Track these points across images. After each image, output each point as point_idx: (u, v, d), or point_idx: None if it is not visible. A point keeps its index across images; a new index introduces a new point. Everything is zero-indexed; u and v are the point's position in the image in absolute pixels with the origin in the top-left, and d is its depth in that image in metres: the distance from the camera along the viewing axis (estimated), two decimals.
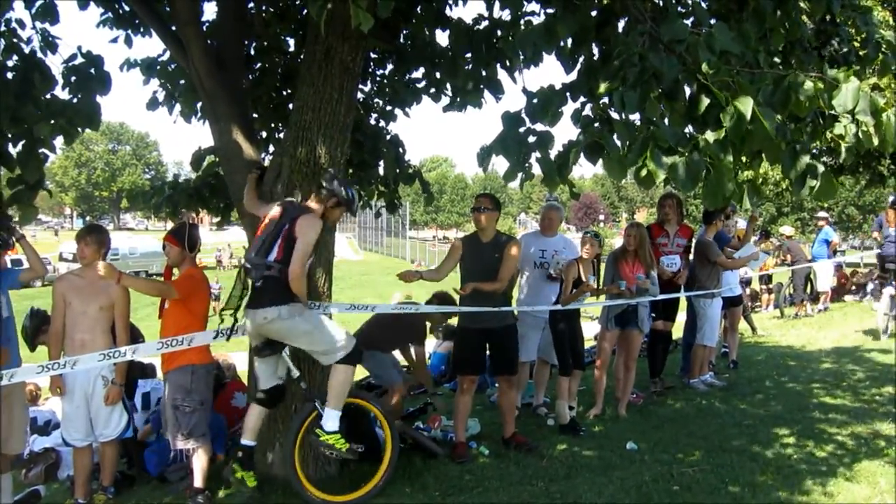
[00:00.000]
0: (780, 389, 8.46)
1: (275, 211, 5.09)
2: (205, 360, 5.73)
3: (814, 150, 4.19)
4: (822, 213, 17.22)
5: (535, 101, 4.17)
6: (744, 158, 4.08)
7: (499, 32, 5.65)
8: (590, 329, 12.85)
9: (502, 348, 6.36)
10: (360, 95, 7.23)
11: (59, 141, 6.37)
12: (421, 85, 7.52)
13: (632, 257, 7.33)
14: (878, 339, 11.54)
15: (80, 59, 6.27)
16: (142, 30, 7.17)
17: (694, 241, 8.49)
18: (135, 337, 6.49)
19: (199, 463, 5.54)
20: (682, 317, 9.09)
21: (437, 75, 7.01)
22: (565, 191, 4.55)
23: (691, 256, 8.45)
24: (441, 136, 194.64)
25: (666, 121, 3.81)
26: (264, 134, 7.67)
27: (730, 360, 9.88)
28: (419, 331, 7.25)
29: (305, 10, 5.60)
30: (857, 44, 5.59)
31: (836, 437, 6.39)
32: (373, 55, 7.44)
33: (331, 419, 5.11)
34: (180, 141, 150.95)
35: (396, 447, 5.51)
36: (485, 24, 5.76)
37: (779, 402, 7.76)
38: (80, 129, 6.28)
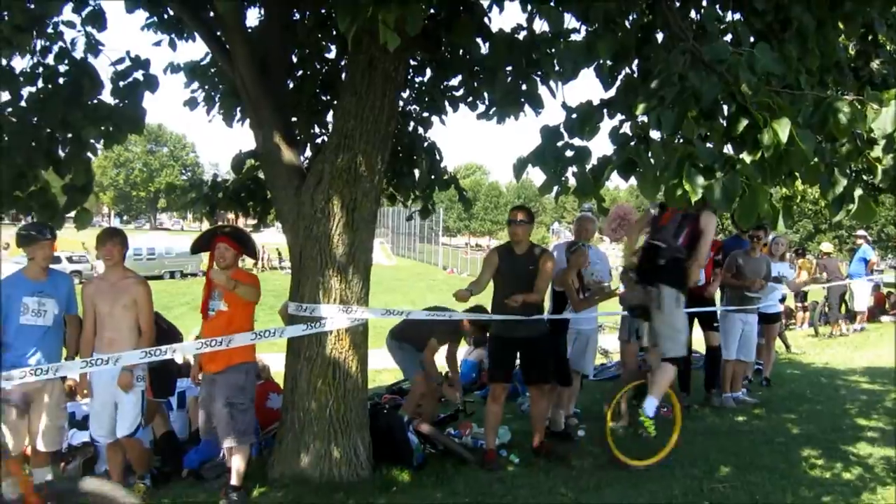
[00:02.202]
0: (812, 409, 8.39)
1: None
2: (254, 359, 5.91)
3: (853, 172, 4.18)
4: (860, 231, 16.99)
5: (574, 116, 4.21)
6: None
7: (538, 46, 5.70)
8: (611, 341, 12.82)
9: (534, 357, 6.40)
10: (399, 103, 7.32)
11: (100, 142, 6.54)
12: (458, 93, 7.58)
13: None
14: None
15: (127, 63, 6.43)
16: (185, 34, 7.31)
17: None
18: (172, 335, 6.59)
19: (241, 461, 5.62)
20: None
21: (475, 84, 7.07)
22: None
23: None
24: (475, 143, 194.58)
25: (703, 140, 3.83)
26: (300, 138, 7.76)
27: (763, 378, 9.80)
28: (447, 328, 7.28)
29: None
30: None
31: (867, 461, 6.34)
32: (412, 62, 7.52)
33: (650, 406, 5.92)
34: (216, 143, 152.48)
35: (682, 417, 6.38)
36: (523, 34, 5.81)
37: (811, 422, 7.70)
38: (125, 133, 6.44)
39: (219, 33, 6.29)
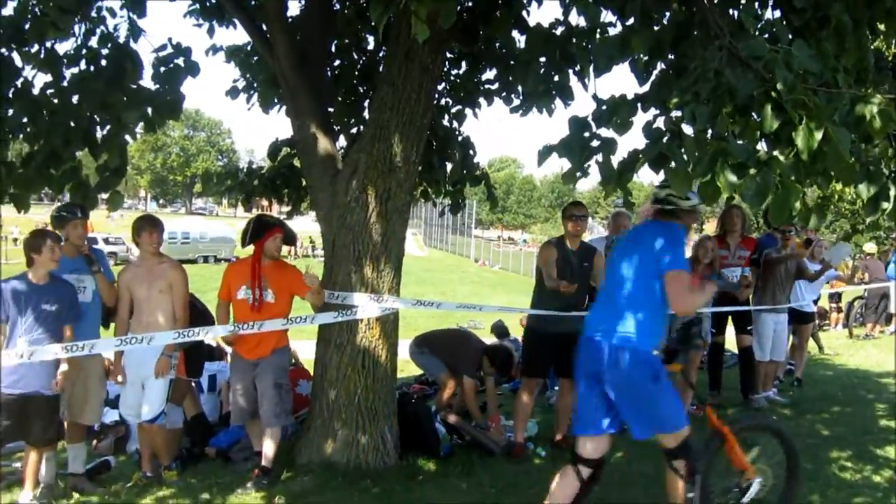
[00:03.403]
0: (843, 410, 8.31)
1: None
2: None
3: (892, 172, 4.14)
4: None
5: (604, 107, 4.21)
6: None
7: (573, 40, 5.68)
8: None
9: (570, 353, 6.43)
10: (434, 95, 7.34)
11: (139, 126, 6.62)
12: (494, 87, 7.58)
13: (701, 269, 7.33)
14: None
15: (169, 50, 6.51)
16: (226, 21, 7.38)
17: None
18: (207, 317, 6.65)
19: (273, 445, 5.72)
20: None
21: (510, 77, 7.07)
22: (634, 197, 4.61)
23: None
24: (510, 136, 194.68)
25: (737, 137, 3.81)
26: (337, 128, 7.80)
27: (794, 378, 9.71)
28: (472, 363, 7.34)
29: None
30: None
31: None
32: (448, 55, 7.54)
33: None
34: (252, 129, 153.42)
35: None
36: (561, 29, 5.82)
37: (842, 424, 7.63)
38: (163, 118, 6.52)
39: (259, 22, 6.36)
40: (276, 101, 7.66)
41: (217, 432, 6.83)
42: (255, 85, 7.92)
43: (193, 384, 7.06)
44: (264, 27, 6.32)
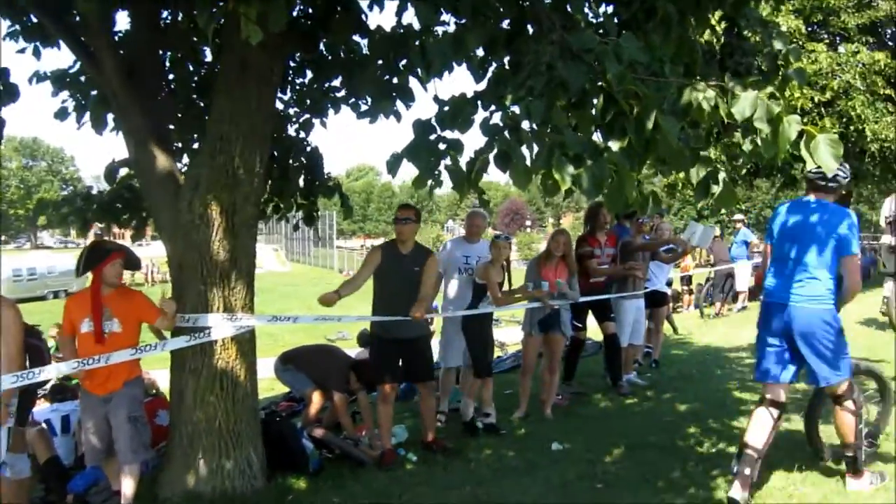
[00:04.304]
0: (699, 387, 8.70)
1: None
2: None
3: (729, 158, 4.37)
4: (738, 216, 17.75)
5: (446, 108, 4.21)
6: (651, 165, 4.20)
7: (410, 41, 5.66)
8: (514, 334, 13.01)
9: (416, 357, 6.46)
10: (279, 105, 7.17)
11: None
12: (340, 94, 7.48)
13: (556, 263, 7.47)
14: None
15: None
16: (51, 42, 6.96)
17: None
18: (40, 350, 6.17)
19: (133, 482, 5.39)
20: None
21: (355, 83, 6.99)
22: (492, 196, 4.63)
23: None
24: (367, 144, 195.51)
25: (575, 130, 3.89)
26: (179, 145, 7.49)
27: (652, 360, 10.10)
28: (340, 378, 7.23)
29: (222, 20, 5.54)
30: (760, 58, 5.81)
31: None
32: (292, 63, 7.39)
33: None
34: (99, 154, 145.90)
35: None
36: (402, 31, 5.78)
37: (698, 399, 7.97)
38: None
39: (84, 39, 6.02)
40: (108, 121, 7.28)
41: (74, 476, 6.41)
42: (87, 106, 7.49)
43: (45, 425, 6.61)
44: (89, 43, 5.98)
